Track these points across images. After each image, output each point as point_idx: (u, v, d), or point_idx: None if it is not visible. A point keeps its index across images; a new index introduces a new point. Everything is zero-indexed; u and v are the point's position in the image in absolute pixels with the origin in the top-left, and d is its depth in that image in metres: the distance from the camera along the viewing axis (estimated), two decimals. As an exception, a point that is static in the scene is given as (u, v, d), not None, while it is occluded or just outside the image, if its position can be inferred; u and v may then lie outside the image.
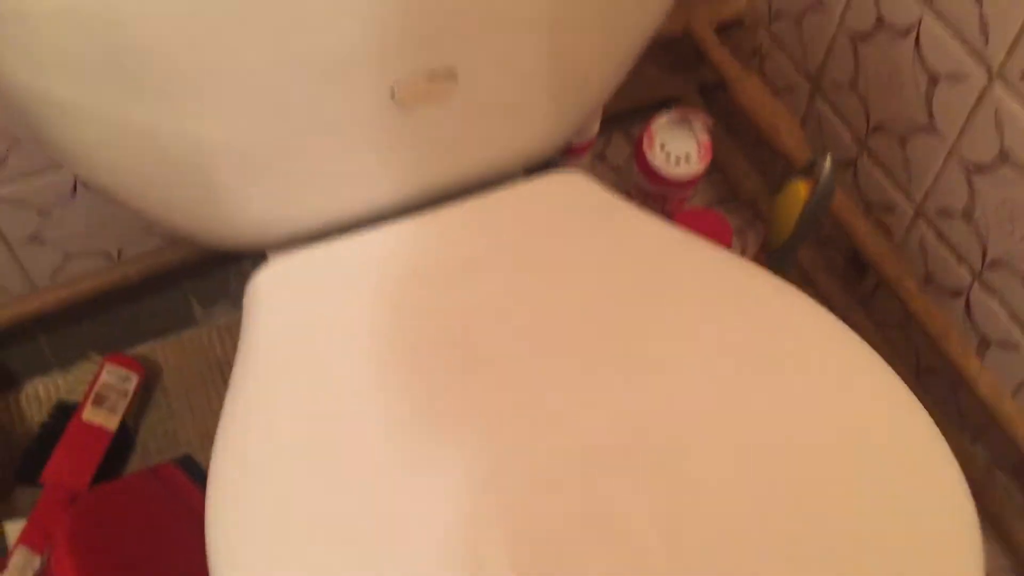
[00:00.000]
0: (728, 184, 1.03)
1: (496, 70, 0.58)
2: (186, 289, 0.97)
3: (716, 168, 1.02)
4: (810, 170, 0.65)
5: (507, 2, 0.53)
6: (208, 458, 0.67)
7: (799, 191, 0.66)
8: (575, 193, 0.67)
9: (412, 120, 0.58)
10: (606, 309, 0.61)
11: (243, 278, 0.67)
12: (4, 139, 0.75)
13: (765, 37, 0.93)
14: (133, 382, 0.90)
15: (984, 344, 0.79)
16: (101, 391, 0.89)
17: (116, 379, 0.90)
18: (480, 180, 0.67)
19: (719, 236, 0.88)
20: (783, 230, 0.67)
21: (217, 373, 0.98)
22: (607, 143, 1.06)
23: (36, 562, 0.80)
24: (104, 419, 0.88)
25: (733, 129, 1.00)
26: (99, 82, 0.47)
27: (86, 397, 0.88)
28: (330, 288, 0.62)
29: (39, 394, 0.94)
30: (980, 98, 0.71)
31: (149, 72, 0.47)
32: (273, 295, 0.61)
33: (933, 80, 0.75)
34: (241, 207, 0.59)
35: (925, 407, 0.55)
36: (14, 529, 0.83)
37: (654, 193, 0.86)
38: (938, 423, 0.61)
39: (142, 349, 0.98)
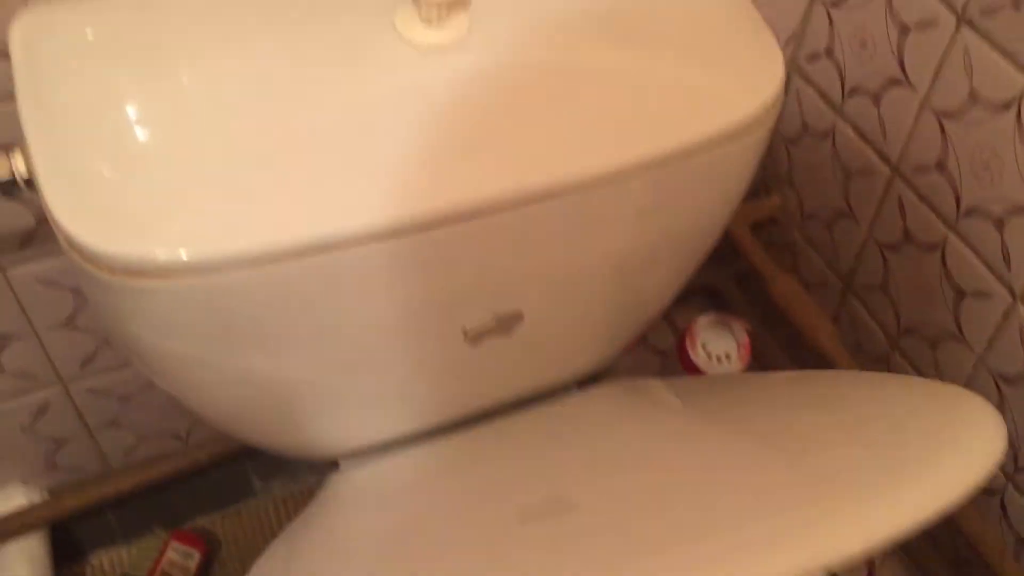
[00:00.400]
0: (765, 370, 1.07)
1: (558, 308, 0.63)
2: (246, 464, 1.02)
3: (754, 356, 1.07)
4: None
5: (574, 259, 0.59)
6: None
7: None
8: (633, 400, 0.72)
9: (478, 350, 0.63)
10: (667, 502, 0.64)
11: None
12: (95, 339, 0.81)
13: (798, 237, 0.98)
14: (195, 559, 0.94)
15: (1021, 545, 0.81)
16: (166, 568, 0.93)
17: (180, 556, 0.94)
18: (537, 392, 0.72)
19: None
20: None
21: (272, 545, 1.02)
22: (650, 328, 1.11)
23: None
24: (167, 597, 0.91)
25: (769, 319, 1.05)
26: (208, 340, 0.53)
27: (151, 574, 0.92)
28: (395, 498, 0.66)
29: (104, 566, 0.98)
30: (1006, 315, 0.76)
31: (251, 333, 0.53)
32: (344, 499, 0.66)
33: (960, 295, 0.80)
34: (319, 430, 0.64)
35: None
36: None
37: (696, 386, 0.91)
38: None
39: (202, 521, 1.02)
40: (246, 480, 1.03)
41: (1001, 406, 0.79)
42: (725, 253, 1.04)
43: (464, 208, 0.52)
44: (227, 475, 1.01)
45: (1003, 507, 0.82)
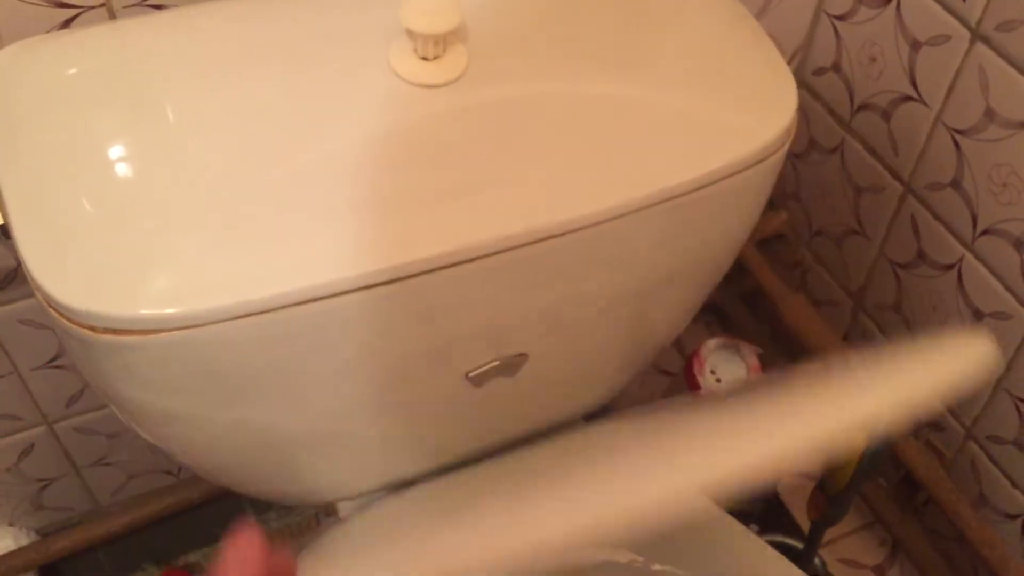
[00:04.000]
0: (773, 386, 1.04)
1: (565, 347, 0.60)
2: (240, 498, 0.99)
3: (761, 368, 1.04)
4: (865, 420, 0.67)
5: (582, 297, 0.56)
6: None
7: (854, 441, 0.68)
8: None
9: (481, 392, 0.60)
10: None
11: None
12: (80, 378, 0.78)
13: (806, 253, 0.96)
14: (189, 598, 0.91)
15: None
16: (158, 609, 0.90)
17: (173, 595, 0.91)
18: (542, 430, 0.69)
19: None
20: (840, 478, 0.69)
21: (269, 579, 0.99)
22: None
23: None
24: (161, 639, 0.88)
25: (778, 338, 1.02)
26: (195, 394, 0.50)
27: (144, 616, 0.89)
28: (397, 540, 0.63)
29: (95, 606, 0.95)
30: (1026, 339, 0.74)
31: (240, 386, 0.50)
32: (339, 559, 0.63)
33: (978, 315, 0.77)
34: (314, 479, 0.61)
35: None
36: None
37: (704, 412, 0.88)
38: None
39: (195, 556, 0.99)
40: (240, 514, 1.00)
41: (1022, 428, 0.77)
42: (732, 271, 1.01)
43: (461, 253, 0.49)
44: (220, 510, 0.98)
45: (1024, 534, 0.80)
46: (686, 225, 0.57)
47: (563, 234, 0.51)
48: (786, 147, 0.58)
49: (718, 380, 0.85)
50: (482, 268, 0.50)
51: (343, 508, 0.66)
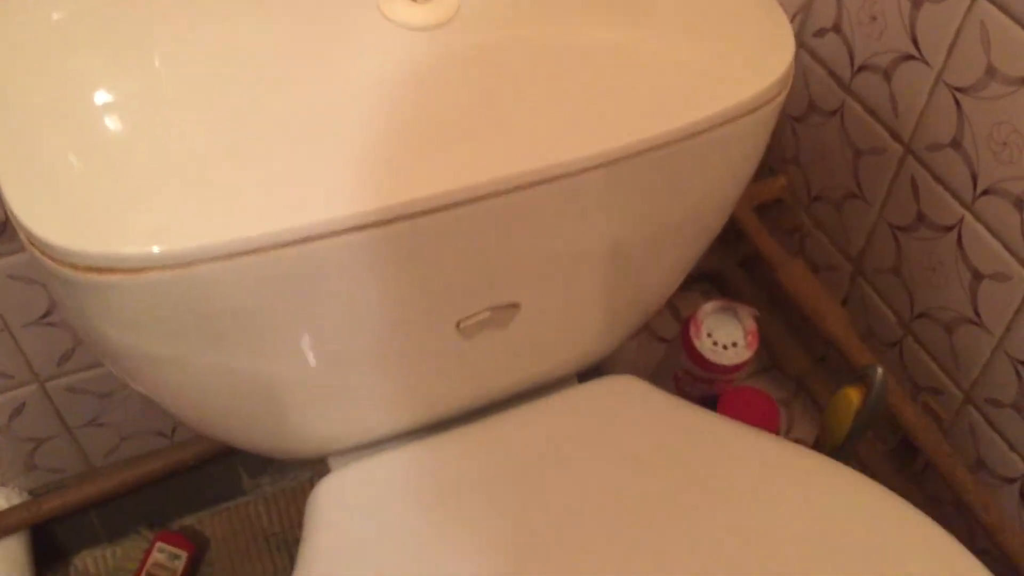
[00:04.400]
0: (773, 356, 1.04)
1: (557, 299, 0.59)
2: (235, 460, 0.99)
3: (762, 342, 1.03)
4: (861, 378, 0.66)
5: (573, 247, 0.55)
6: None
7: (850, 397, 0.67)
8: (629, 396, 0.69)
9: (473, 343, 0.59)
10: (663, 504, 0.62)
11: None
12: (72, 335, 0.78)
13: (805, 218, 0.95)
14: (183, 560, 0.91)
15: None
16: (151, 570, 0.89)
17: (166, 557, 0.91)
18: (535, 386, 0.68)
19: (767, 414, 0.88)
20: (836, 435, 0.68)
21: (263, 544, 0.98)
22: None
23: None
24: (154, 599, 0.88)
25: (777, 304, 1.02)
26: (183, 337, 0.49)
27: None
28: (389, 499, 0.63)
29: (88, 568, 0.95)
30: (1026, 299, 0.73)
31: (230, 329, 0.50)
32: (333, 509, 0.62)
33: (977, 277, 0.76)
34: (306, 429, 0.60)
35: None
36: None
37: (701, 376, 0.87)
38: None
39: (189, 520, 0.98)
40: (235, 477, 1.00)
41: (1021, 392, 0.76)
42: (730, 236, 1.01)
43: (454, 195, 0.48)
44: (215, 472, 0.98)
45: (1022, 496, 0.79)
46: (677, 175, 0.56)
47: (552, 179, 0.50)
48: (782, 97, 0.57)
49: (715, 344, 0.84)
50: (473, 211, 0.49)
51: (334, 463, 0.65)
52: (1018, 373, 0.76)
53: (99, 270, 0.44)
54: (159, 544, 0.91)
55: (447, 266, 0.52)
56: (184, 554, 0.91)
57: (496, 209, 0.50)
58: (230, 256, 0.46)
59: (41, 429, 0.84)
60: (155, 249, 0.45)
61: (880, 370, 0.66)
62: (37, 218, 0.44)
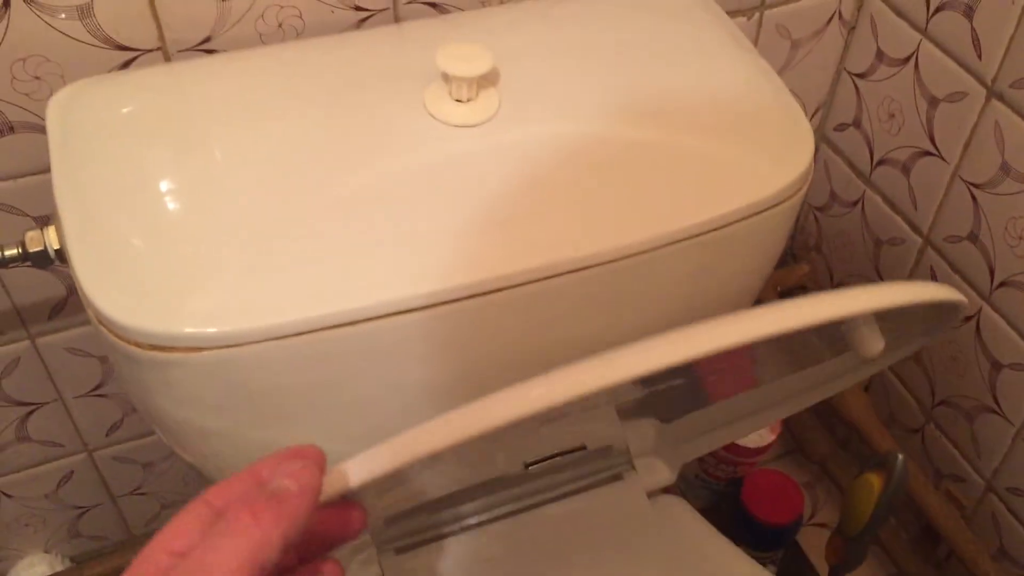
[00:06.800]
0: (796, 439, 1.05)
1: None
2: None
3: (785, 425, 1.05)
4: (882, 464, 0.68)
5: (604, 333, 0.58)
6: None
7: (872, 483, 0.69)
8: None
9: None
10: None
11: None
12: (121, 406, 0.81)
13: (829, 305, 0.97)
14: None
15: (1002, 552, 0.78)
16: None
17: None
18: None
19: (791, 498, 0.90)
20: (857, 520, 0.70)
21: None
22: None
23: None
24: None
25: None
26: (234, 412, 0.53)
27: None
28: None
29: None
30: (1044, 389, 0.74)
31: (277, 406, 0.53)
32: None
33: (996, 367, 0.78)
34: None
35: None
36: None
37: (726, 459, 0.89)
38: None
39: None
40: (269, 549, 1.02)
41: (1041, 482, 0.77)
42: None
43: (497, 281, 0.51)
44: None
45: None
46: (705, 264, 0.59)
47: (587, 268, 0.53)
48: (803, 191, 0.60)
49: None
50: (512, 298, 0.52)
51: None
52: (1039, 461, 0.77)
53: (160, 348, 0.48)
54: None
55: (485, 349, 0.55)
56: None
57: (532, 295, 0.53)
58: (278, 337, 0.49)
59: (87, 497, 0.87)
60: (211, 330, 0.48)
61: (900, 457, 0.68)
62: (106, 298, 0.48)
